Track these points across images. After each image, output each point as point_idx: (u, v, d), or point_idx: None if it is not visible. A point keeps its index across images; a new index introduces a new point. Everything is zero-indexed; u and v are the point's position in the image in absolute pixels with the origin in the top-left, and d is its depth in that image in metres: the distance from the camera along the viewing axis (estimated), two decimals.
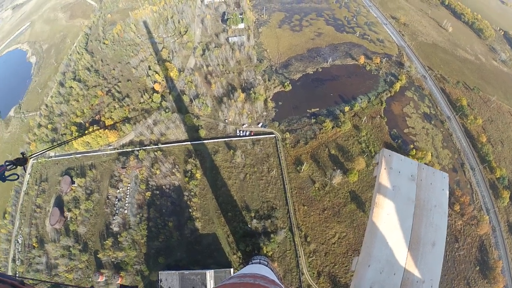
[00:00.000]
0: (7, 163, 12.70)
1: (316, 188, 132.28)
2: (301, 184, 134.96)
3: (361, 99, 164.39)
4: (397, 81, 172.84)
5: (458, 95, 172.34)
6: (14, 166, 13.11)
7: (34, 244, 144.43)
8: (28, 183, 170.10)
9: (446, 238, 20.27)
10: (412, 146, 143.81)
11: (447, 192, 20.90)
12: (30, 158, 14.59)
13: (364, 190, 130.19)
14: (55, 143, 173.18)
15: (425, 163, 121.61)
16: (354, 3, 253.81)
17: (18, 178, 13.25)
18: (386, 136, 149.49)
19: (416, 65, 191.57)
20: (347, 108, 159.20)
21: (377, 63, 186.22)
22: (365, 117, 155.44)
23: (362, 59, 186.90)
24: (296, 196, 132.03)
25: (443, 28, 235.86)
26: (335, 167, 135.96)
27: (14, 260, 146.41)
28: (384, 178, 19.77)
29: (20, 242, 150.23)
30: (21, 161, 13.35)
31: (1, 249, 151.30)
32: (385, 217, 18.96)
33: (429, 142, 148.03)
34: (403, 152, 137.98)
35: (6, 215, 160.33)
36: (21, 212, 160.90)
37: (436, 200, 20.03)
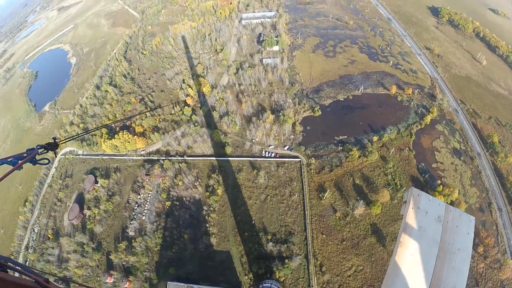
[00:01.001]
0: (38, 147, 12.87)
1: (337, 217, 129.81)
2: (322, 212, 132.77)
3: (391, 130, 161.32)
4: (428, 114, 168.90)
5: (489, 131, 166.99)
6: (45, 150, 13.30)
7: (49, 236, 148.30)
8: (53, 177, 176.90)
9: (467, 282, 19.98)
10: (439, 182, 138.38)
11: (472, 236, 20.69)
12: (61, 143, 15.09)
13: (386, 224, 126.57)
14: (84, 142, 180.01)
15: (451, 201, 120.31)
16: (388, 32, 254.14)
17: (48, 162, 13.38)
18: (413, 169, 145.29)
19: (449, 98, 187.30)
20: (375, 138, 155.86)
21: (409, 94, 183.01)
22: (393, 149, 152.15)
23: (394, 89, 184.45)
24: (315, 223, 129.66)
25: (477, 60, 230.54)
26: (358, 198, 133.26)
27: (27, 248, 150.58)
28: (411, 218, 19.74)
29: (36, 232, 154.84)
30: (52, 146, 13.51)
31: (16, 235, 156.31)
32: (409, 257, 18.88)
33: (457, 179, 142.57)
34: (430, 188, 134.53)
35: (27, 203, 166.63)
36: (41, 203, 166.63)
37: (460, 243, 19.89)
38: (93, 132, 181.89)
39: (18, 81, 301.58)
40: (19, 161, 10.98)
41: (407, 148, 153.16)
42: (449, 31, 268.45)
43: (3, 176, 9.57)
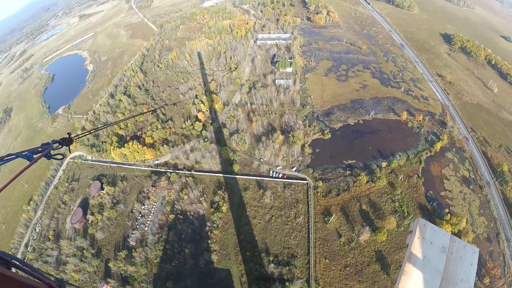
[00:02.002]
0: (53, 142, 13.04)
1: (341, 243, 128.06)
2: (327, 236, 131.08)
3: (400, 156, 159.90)
4: (439, 141, 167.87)
5: (499, 160, 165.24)
6: (60, 146, 13.51)
7: (50, 237, 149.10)
8: (60, 179, 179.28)
9: None
10: (447, 210, 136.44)
11: (476, 267, 20.89)
12: (75, 139, 15.22)
13: (391, 252, 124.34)
14: (94, 148, 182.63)
15: (459, 230, 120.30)
16: (401, 58, 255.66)
17: (63, 157, 13.50)
18: (421, 197, 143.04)
19: (459, 126, 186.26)
20: (384, 164, 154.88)
21: (420, 121, 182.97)
22: (401, 175, 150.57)
23: (404, 115, 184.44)
24: (319, 247, 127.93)
25: (489, 88, 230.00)
26: (364, 223, 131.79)
27: (26, 246, 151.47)
28: (416, 247, 20.34)
29: (37, 231, 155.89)
30: (67, 141, 13.79)
31: (17, 232, 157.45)
32: (412, 286, 19.31)
33: (465, 208, 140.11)
34: (438, 216, 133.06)
35: (31, 202, 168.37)
36: (46, 204, 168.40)
37: (463, 274, 20.08)
38: (103, 139, 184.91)
39: (35, 82, 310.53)
40: (34, 156, 10.96)
41: (416, 175, 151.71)
42: (461, 58, 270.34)
43: (20, 171, 10.04)
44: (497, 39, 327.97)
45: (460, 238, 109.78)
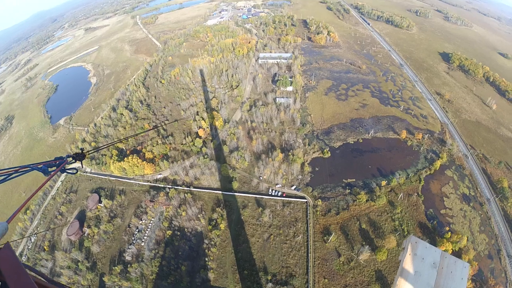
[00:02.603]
0: (67, 156, 13.32)
1: (341, 262, 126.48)
2: (326, 255, 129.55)
3: (399, 175, 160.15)
4: (438, 159, 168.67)
5: (499, 176, 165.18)
6: (74, 160, 13.73)
7: (45, 247, 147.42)
8: (58, 190, 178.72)
9: None
10: (447, 228, 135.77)
11: (466, 282, 21.17)
12: (88, 154, 15.43)
13: (391, 271, 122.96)
14: (93, 161, 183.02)
15: (459, 248, 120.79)
16: (400, 77, 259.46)
17: (76, 172, 14.18)
18: (421, 215, 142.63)
19: (458, 143, 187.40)
20: (384, 183, 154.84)
21: (419, 139, 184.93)
22: (401, 194, 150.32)
23: (404, 134, 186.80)
24: (318, 266, 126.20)
25: (487, 105, 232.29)
26: (364, 243, 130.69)
27: (21, 255, 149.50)
28: (408, 263, 21.14)
29: (32, 241, 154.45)
30: (80, 156, 14.04)
31: (11, 242, 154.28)
32: None
33: (465, 226, 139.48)
34: (438, 235, 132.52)
35: (27, 211, 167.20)
36: (43, 214, 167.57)
37: None
38: (103, 152, 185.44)
39: (38, 92, 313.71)
40: (49, 169, 11.32)
41: (416, 194, 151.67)
42: (460, 76, 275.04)
43: (41, 184, 10.80)
44: (495, 57, 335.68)
45: (461, 256, 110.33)
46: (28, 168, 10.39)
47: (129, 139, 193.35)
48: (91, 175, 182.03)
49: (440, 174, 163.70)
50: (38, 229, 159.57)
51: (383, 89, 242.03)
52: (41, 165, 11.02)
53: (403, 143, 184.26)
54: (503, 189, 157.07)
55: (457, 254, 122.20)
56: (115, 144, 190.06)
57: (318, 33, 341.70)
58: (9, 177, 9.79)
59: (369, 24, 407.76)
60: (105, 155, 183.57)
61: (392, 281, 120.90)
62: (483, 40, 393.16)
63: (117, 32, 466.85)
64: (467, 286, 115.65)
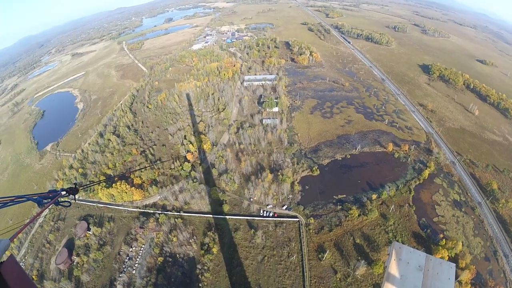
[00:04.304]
0: (61, 190, 13.96)
1: (338, 279, 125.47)
2: (322, 273, 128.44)
3: (389, 187, 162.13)
4: (426, 168, 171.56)
5: (488, 179, 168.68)
6: (67, 194, 14.36)
7: (33, 277, 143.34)
8: (45, 217, 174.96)
9: None
10: (442, 235, 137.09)
11: (453, 281, 22.35)
12: (81, 188, 16.33)
13: None
14: (81, 188, 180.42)
15: (455, 254, 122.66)
16: (383, 92, 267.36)
17: (70, 205, 14.83)
18: (414, 225, 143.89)
19: (445, 151, 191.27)
20: (374, 196, 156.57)
21: (406, 151, 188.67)
22: (393, 206, 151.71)
23: (390, 147, 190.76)
24: (315, 285, 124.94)
25: (470, 111, 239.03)
26: (359, 257, 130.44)
27: None
28: (393, 268, 22.17)
29: None
30: (74, 190, 14.73)
31: None
32: None
33: (459, 231, 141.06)
34: (433, 243, 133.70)
35: (15, 240, 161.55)
36: (30, 242, 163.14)
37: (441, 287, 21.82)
38: (90, 179, 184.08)
39: (24, 117, 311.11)
40: (44, 200, 11.82)
41: (407, 204, 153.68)
42: (441, 86, 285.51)
43: (36, 215, 11.84)
44: (473, 64, 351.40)
45: (458, 261, 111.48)
46: (24, 199, 10.93)
47: (117, 166, 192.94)
48: (79, 202, 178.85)
49: (429, 183, 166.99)
50: (26, 258, 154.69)
51: (367, 104, 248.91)
52: (36, 197, 11.53)
53: (390, 155, 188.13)
54: (493, 191, 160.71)
55: (454, 259, 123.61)
56: (102, 171, 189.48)
57: (300, 54, 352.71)
58: (5, 206, 10.50)
59: (349, 42, 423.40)
60: (93, 181, 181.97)
61: None
62: (461, 49, 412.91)
63: (103, 57, 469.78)
64: None
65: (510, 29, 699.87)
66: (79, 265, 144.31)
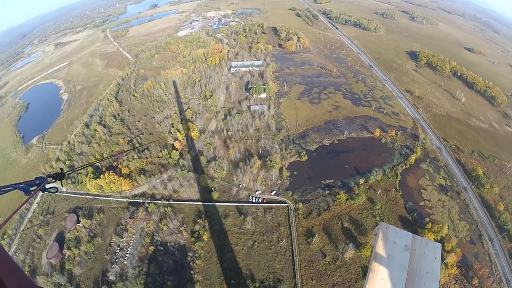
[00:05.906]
0: (47, 176, 13.58)
1: (327, 262, 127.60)
2: (311, 257, 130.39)
3: (376, 172, 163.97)
4: (412, 154, 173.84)
5: (473, 165, 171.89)
6: (54, 180, 13.85)
7: (25, 273, 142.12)
8: (34, 212, 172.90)
9: None
10: (428, 219, 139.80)
11: (440, 260, 22.52)
12: (67, 174, 15.77)
13: None
14: (68, 180, 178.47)
15: (441, 237, 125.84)
16: (370, 78, 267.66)
17: (57, 191, 14.61)
18: (401, 209, 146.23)
19: (431, 137, 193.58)
20: (361, 181, 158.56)
21: (392, 136, 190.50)
22: (380, 190, 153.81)
23: (377, 132, 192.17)
24: (305, 269, 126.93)
25: (456, 98, 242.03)
26: (347, 241, 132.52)
27: None
28: (380, 248, 22.18)
29: None
30: (60, 176, 14.29)
31: None
32: (379, 281, 20.85)
33: (445, 215, 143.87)
34: (419, 226, 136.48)
35: (5, 236, 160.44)
36: (20, 238, 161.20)
37: (428, 267, 21.62)
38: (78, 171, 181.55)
39: (9, 111, 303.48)
40: (30, 188, 11.67)
41: (394, 189, 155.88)
42: (428, 73, 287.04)
43: (21, 204, 11.46)
44: (461, 52, 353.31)
45: (444, 244, 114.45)
46: (11, 188, 10.88)
47: (104, 156, 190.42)
48: (67, 194, 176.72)
49: (415, 168, 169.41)
50: (17, 254, 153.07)
51: (354, 90, 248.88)
52: (23, 185, 11.43)
53: (377, 141, 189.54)
54: (478, 176, 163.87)
55: (440, 242, 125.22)
56: (90, 162, 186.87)
57: (288, 40, 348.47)
58: None
59: (337, 28, 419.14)
60: (81, 173, 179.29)
61: None
62: (449, 37, 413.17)
63: (87, 46, 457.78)
64: (454, 271, 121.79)
65: (499, 18, 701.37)
66: (70, 258, 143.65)
